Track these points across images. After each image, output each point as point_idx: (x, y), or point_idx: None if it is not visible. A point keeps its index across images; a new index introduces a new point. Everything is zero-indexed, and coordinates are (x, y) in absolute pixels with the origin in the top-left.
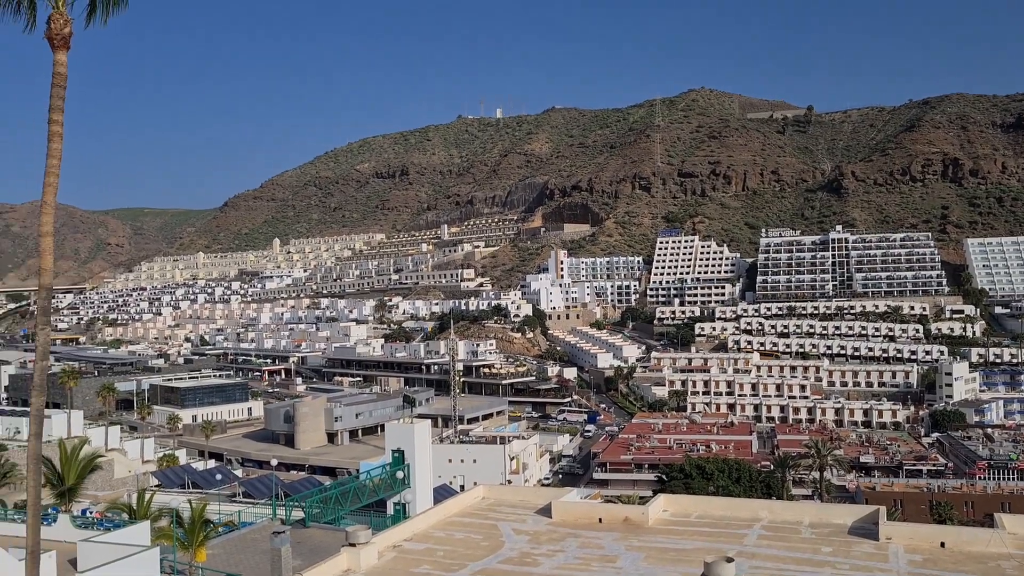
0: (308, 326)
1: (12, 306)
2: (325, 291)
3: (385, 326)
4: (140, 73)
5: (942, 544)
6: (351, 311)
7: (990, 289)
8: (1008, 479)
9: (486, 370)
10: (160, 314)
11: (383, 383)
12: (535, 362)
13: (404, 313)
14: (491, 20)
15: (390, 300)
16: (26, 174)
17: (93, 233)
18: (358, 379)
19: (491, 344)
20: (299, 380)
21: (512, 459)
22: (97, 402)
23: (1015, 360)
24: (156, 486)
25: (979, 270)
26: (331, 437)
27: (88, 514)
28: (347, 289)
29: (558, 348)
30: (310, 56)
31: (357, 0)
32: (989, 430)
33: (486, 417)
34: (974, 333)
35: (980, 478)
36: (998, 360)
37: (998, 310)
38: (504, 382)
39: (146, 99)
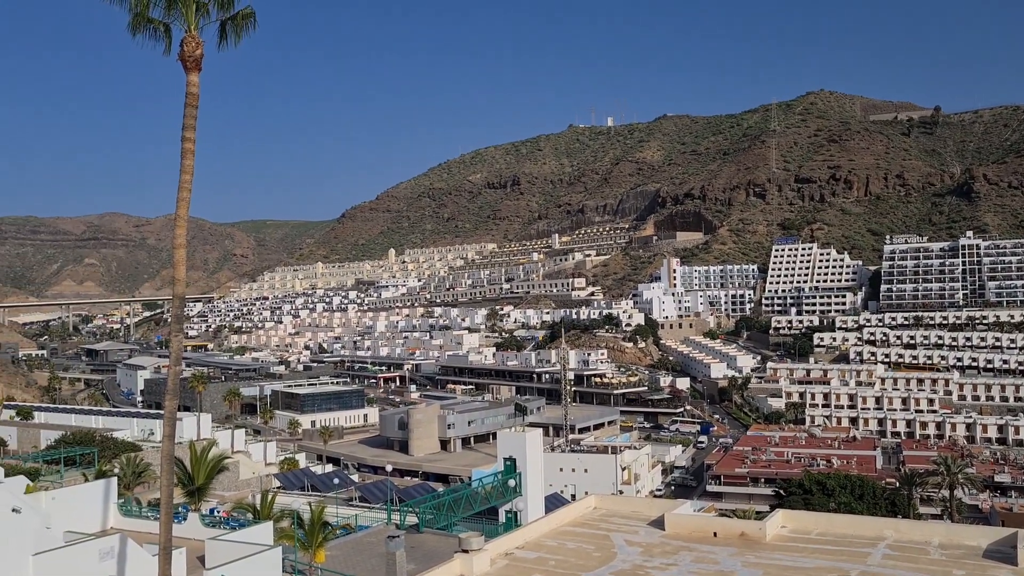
0: (422, 334)
1: (147, 314)
2: (438, 300)
3: (497, 335)
4: (264, 90)
5: None
6: (463, 320)
7: None
8: None
9: (597, 379)
10: (281, 322)
11: (495, 391)
12: (647, 372)
13: (515, 322)
14: (601, 28)
15: (501, 309)
16: (161, 189)
17: (220, 244)
18: (470, 387)
19: (602, 353)
20: (413, 387)
21: (624, 469)
22: (224, 406)
23: None
24: (278, 488)
25: None
26: (444, 444)
27: (215, 513)
28: (459, 298)
29: (670, 358)
30: (423, 70)
31: (468, 14)
32: None
33: (597, 427)
34: None
35: None
36: None
37: None
38: (615, 391)
39: (269, 115)
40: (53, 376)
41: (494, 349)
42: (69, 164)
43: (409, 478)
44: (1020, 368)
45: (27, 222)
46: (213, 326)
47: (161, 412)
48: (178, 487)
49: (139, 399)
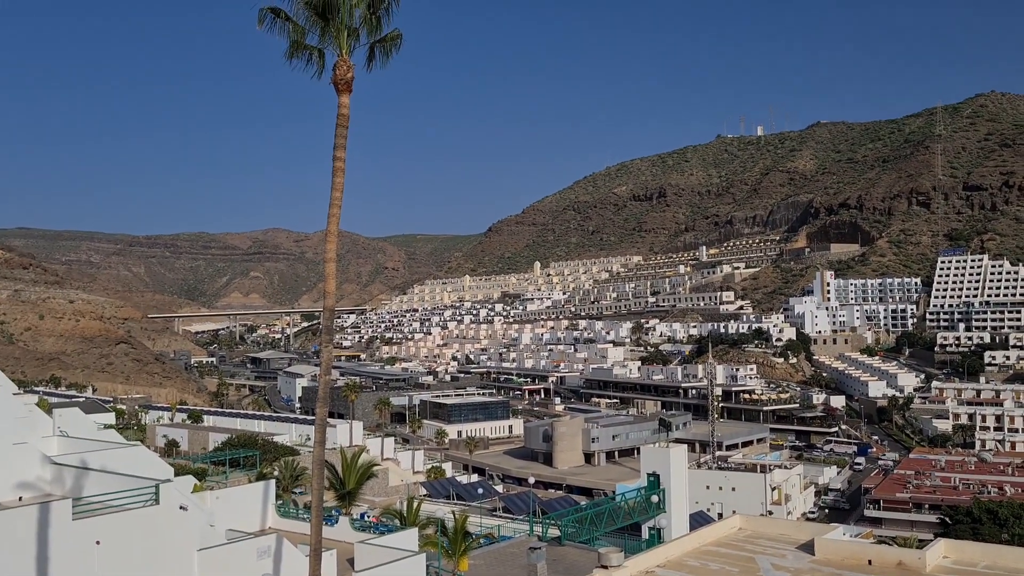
0: (566, 347)
1: (305, 325)
2: (583, 313)
3: (642, 348)
4: (414, 107)
5: None
6: (608, 333)
7: None
8: None
9: (746, 396)
10: (430, 334)
11: (639, 405)
12: (799, 388)
13: (661, 335)
14: (751, 34)
15: (647, 322)
16: (319, 205)
17: (373, 258)
18: (615, 401)
19: (751, 369)
20: (557, 400)
21: (773, 489)
22: (374, 414)
23: None
24: (424, 495)
25: None
26: (588, 457)
27: (365, 518)
28: (604, 311)
29: (824, 374)
30: (569, 83)
31: (615, 25)
32: None
33: (745, 444)
34: None
35: None
36: None
37: None
38: (765, 408)
39: (419, 131)
40: (221, 382)
41: (639, 363)
42: (237, 183)
43: (552, 490)
44: None
45: (200, 238)
46: (365, 337)
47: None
48: (330, 491)
49: (297, 405)
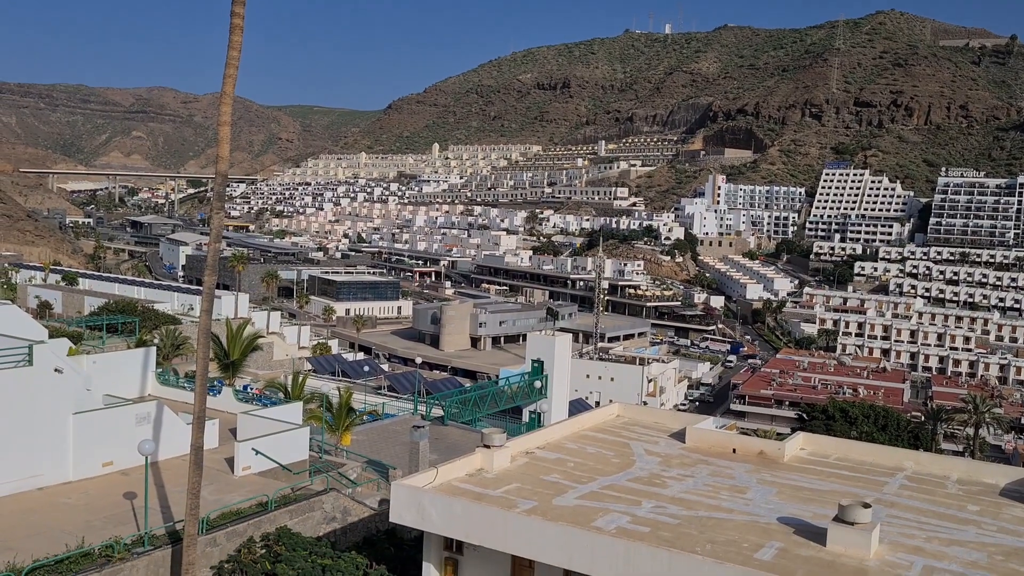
0: (460, 232)
1: (191, 191)
2: (479, 199)
3: (534, 238)
4: None
5: None
6: (503, 220)
7: None
8: None
9: (631, 291)
10: (322, 209)
11: (528, 294)
12: (682, 287)
13: (554, 227)
14: None
15: (541, 213)
16: (210, 68)
17: (266, 128)
18: (504, 288)
19: (639, 265)
20: (448, 284)
21: (650, 381)
22: (261, 287)
23: None
24: (309, 371)
25: None
26: (474, 342)
27: (248, 390)
28: (500, 198)
29: (707, 275)
30: None
31: None
32: None
33: (627, 337)
34: None
35: None
36: None
37: None
38: (648, 304)
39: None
40: (99, 245)
41: (531, 252)
42: (120, 35)
43: (438, 372)
44: None
45: (78, 91)
46: (255, 208)
47: (201, 288)
48: (213, 362)
49: (180, 274)
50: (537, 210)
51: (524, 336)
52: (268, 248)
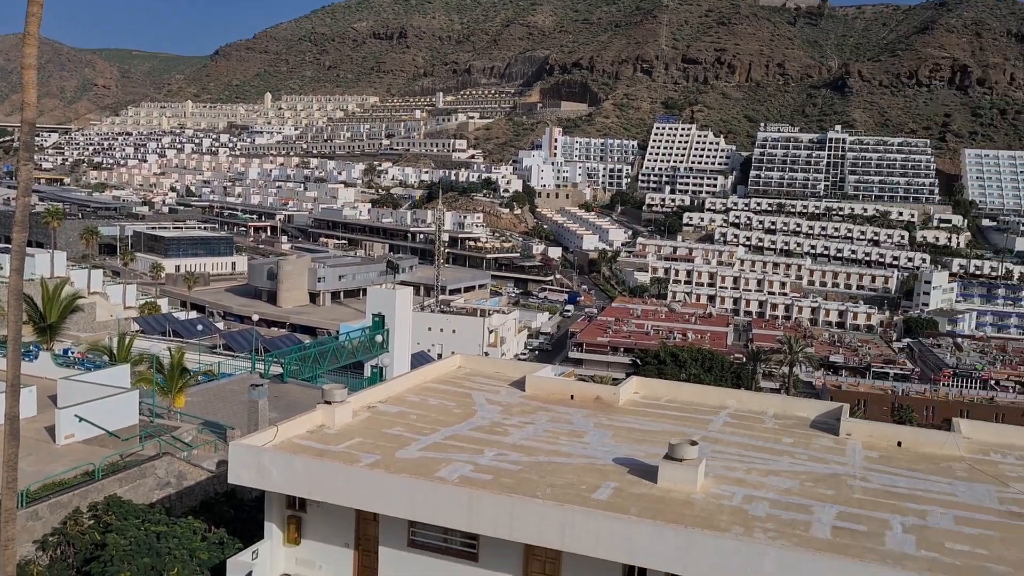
0: (296, 185)
1: None
2: (315, 151)
3: (373, 191)
4: None
5: (899, 443)
6: (340, 173)
7: (980, 201)
8: (971, 388)
9: (471, 243)
10: (146, 161)
11: (368, 248)
12: (521, 239)
13: (393, 179)
14: None
15: (380, 165)
16: (9, 4)
17: (79, 72)
18: (343, 242)
19: (478, 217)
20: (284, 238)
21: (491, 332)
22: (80, 244)
23: (994, 273)
24: (137, 332)
25: (972, 182)
26: (313, 297)
27: (70, 354)
28: (337, 150)
29: (545, 227)
30: None
31: None
32: (959, 340)
33: (468, 289)
34: (958, 244)
35: (944, 385)
36: (978, 272)
37: (985, 223)
38: (488, 256)
39: None
40: None
41: (369, 205)
42: None
43: (276, 329)
44: (866, 259)
45: None
46: (70, 160)
47: (8, 246)
48: (28, 325)
49: None
50: (375, 162)
51: (364, 290)
52: (87, 203)
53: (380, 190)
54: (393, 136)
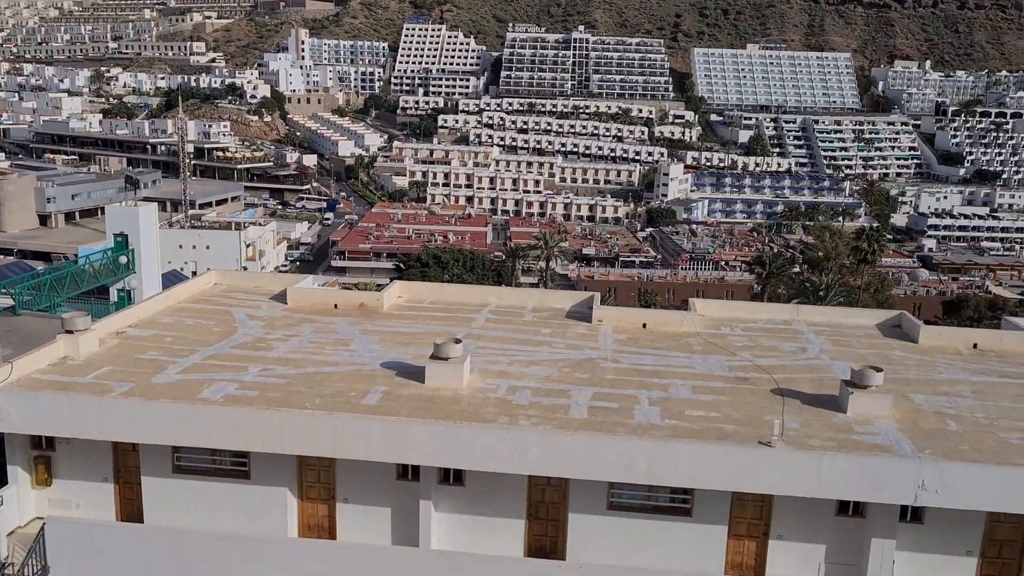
0: (10, 95)
1: None
2: (28, 56)
3: (103, 100)
4: None
5: (644, 325)
6: (62, 81)
7: (709, 98)
8: (705, 270)
9: (220, 153)
10: None
11: (102, 163)
12: (273, 147)
13: (125, 87)
14: None
15: (108, 71)
16: None
17: None
18: (73, 157)
19: (225, 126)
20: (2, 155)
21: (248, 246)
22: None
23: (722, 164)
24: None
25: (701, 79)
26: (43, 219)
27: None
28: (55, 55)
29: (298, 133)
30: None
31: None
32: (694, 226)
33: (220, 203)
34: (691, 138)
35: (682, 268)
36: (708, 164)
37: (714, 117)
38: (239, 167)
39: None
40: None
41: (100, 116)
42: None
43: (2, 257)
44: (611, 155)
45: None
46: None
47: None
48: None
49: None
50: (103, 68)
51: (103, 209)
52: None
53: (111, 99)
54: (121, 39)
